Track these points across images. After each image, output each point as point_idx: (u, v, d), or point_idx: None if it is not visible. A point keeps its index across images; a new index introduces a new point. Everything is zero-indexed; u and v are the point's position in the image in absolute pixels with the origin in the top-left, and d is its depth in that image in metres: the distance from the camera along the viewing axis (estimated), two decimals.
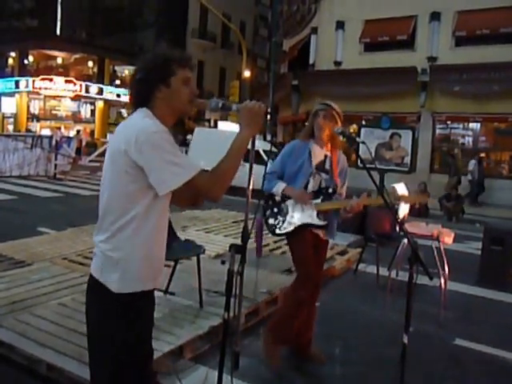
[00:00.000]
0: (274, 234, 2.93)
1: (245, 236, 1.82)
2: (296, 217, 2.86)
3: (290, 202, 2.87)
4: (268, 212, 2.91)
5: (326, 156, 2.91)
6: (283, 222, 2.86)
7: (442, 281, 4.07)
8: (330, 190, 2.88)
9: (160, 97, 1.57)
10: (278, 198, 2.88)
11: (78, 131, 21.13)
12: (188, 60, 1.64)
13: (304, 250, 2.86)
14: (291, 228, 2.85)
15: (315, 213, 2.87)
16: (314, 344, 3.10)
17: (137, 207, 1.51)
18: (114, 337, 1.54)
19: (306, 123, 3.03)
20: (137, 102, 1.61)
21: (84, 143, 15.20)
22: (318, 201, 2.87)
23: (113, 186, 1.54)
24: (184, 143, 17.23)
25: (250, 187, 1.85)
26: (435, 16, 15.08)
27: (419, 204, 10.36)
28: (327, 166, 2.91)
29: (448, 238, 4.30)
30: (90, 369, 1.65)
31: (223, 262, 2.21)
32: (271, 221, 2.89)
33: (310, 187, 2.88)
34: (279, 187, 2.83)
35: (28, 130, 21.37)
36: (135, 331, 1.56)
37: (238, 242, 1.83)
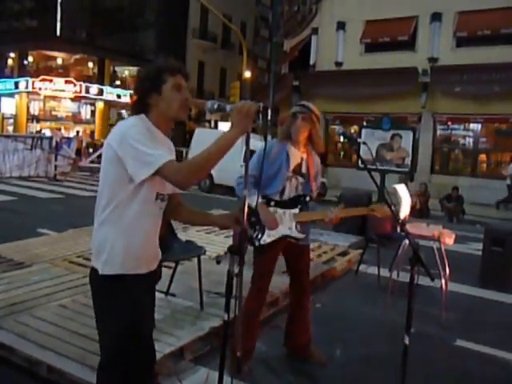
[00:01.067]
0: (253, 246, 2.73)
1: (242, 237, 1.82)
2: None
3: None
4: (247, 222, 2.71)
5: (302, 159, 2.82)
6: (262, 233, 2.71)
7: (443, 282, 4.06)
8: (308, 199, 2.81)
9: (153, 104, 1.72)
10: (253, 205, 2.62)
11: (78, 132, 21.15)
12: (179, 68, 1.76)
13: (266, 265, 2.80)
14: (270, 240, 2.72)
15: (294, 224, 2.78)
16: (314, 345, 3.10)
17: (119, 195, 1.66)
18: (103, 316, 1.73)
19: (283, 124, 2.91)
20: (136, 109, 1.76)
21: (84, 144, 15.18)
22: (296, 211, 2.78)
23: (103, 176, 1.72)
24: (185, 144, 17.25)
25: (247, 187, 1.85)
26: (436, 16, 15.06)
27: (420, 204, 10.36)
28: (303, 169, 2.82)
29: (449, 239, 4.29)
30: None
31: (218, 262, 2.20)
32: (249, 232, 2.65)
33: (287, 193, 2.77)
34: (253, 201, 2.49)
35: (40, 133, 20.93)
36: (122, 313, 1.69)
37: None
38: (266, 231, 2.72)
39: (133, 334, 1.72)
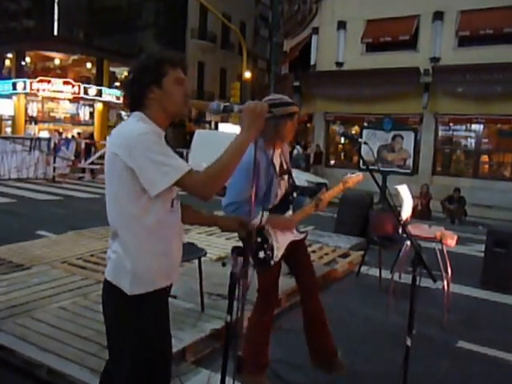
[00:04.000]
0: (269, 266, 2.57)
1: (247, 239, 1.80)
2: (280, 239, 2.60)
3: (268, 226, 2.55)
4: (254, 244, 2.48)
5: (280, 156, 2.63)
6: (272, 249, 2.55)
7: (445, 283, 4.04)
8: (295, 194, 2.69)
9: (153, 98, 1.58)
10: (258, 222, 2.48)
11: (79, 134, 21.13)
12: (180, 60, 1.64)
13: (273, 275, 2.66)
14: (281, 253, 2.61)
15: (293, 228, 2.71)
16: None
17: (132, 209, 1.53)
18: (129, 335, 1.58)
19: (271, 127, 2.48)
20: (131, 104, 1.62)
21: (83, 146, 15.15)
22: (290, 212, 2.68)
23: (110, 189, 1.58)
24: (185, 145, 17.22)
25: (253, 189, 1.82)
26: (438, 16, 14.99)
27: (421, 206, 10.34)
28: (284, 166, 2.66)
29: (451, 241, 4.27)
30: (111, 367, 1.71)
31: (224, 264, 2.18)
32: (261, 254, 2.51)
33: (279, 196, 2.64)
34: (257, 219, 2.39)
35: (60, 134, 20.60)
36: (150, 329, 1.59)
37: (240, 244, 1.81)
38: (275, 245, 2.57)
39: (160, 349, 1.64)
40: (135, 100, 1.60)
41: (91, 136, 20.83)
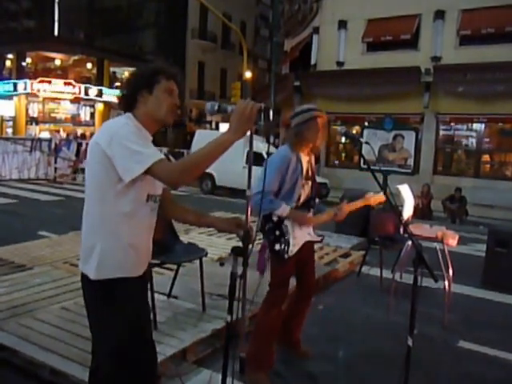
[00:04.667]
0: (284, 259, 2.71)
1: (245, 238, 1.80)
2: (298, 236, 2.74)
3: (287, 222, 2.70)
4: (271, 237, 2.70)
5: (308, 162, 2.84)
6: (288, 244, 2.70)
7: (446, 283, 4.04)
8: (317, 200, 2.85)
9: (142, 101, 1.70)
10: (275, 218, 2.68)
11: (83, 135, 21.13)
12: (175, 74, 1.76)
13: (287, 273, 2.78)
14: (296, 249, 2.73)
15: (311, 229, 2.84)
16: (313, 345, 3.14)
17: (108, 195, 1.62)
18: (102, 322, 1.68)
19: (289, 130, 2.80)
20: (123, 104, 1.74)
21: (84, 146, 15.12)
22: (310, 214, 2.82)
23: (89, 177, 1.68)
24: (186, 145, 17.25)
25: (251, 189, 1.86)
26: (439, 14, 14.95)
27: (422, 205, 10.34)
28: (310, 173, 2.85)
29: (452, 240, 4.27)
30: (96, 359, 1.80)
31: (222, 264, 2.20)
32: (277, 246, 2.69)
33: (302, 199, 2.79)
34: (283, 210, 2.63)
35: (80, 136, 20.46)
36: (122, 316, 1.66)
37: (240, 244, 1.82)
38: (291, 241, 2.69)
39: (136, 337, 1.70)
40: (127, 101, 1.72)
41: (91, 136, 20.73)
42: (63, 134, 21.01)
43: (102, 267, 1.64)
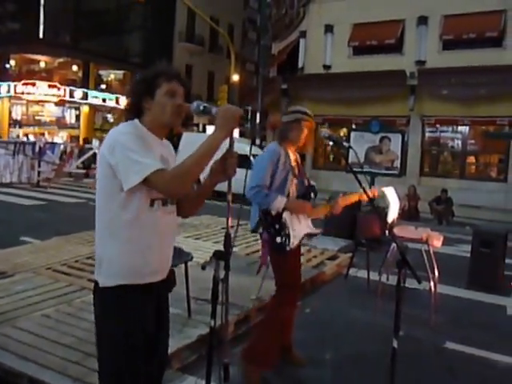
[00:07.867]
0: (285, 252, 2.76)
1: (227, 242, 1.78)
2: (297, 228, 2.77)
3: (286, 215, 2.73)
4: (271, 230, 2.74)
5: (295, 160, 2.93)
6: (288, 237, 2.73)
7: (432, 284, 4.06)
8: (313, 195, 2.88)
9: (146, 107, 1.70)
10: (273, 212, 2.72)
11: (72, 138, 20.82)
12: (176, 74, 1.75)
13: (294, 262, 2.85)
14: (297, 241, 2.78)
15: (309, 221, 2.88)
16: (300, 349, 3.10)
17: (113, 205, 1.63)
18: (106, 330, 1.66)
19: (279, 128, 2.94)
20: (130, 113, 1.73)
21: (69, 149, 14.89)
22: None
23: (98, 188, 1.69)
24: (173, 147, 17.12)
25: (231, 192, 1.82)
26: (422, 20, 15.25)
27: (409, 207, 10.41)
28: (296, 170, 2.92)
29: (437, 242, 4.30)
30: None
31: (203, 268, 2.17)
32: (278, 239, 2.72)
33: (291, 196, 2.83)
34: (280, 202, 2.67)
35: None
36: (126, 324, 1.63)
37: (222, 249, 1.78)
38: (291, 233, 2.74)
39: (137, 348, 1.65)
40: (133, 109, 1.72)
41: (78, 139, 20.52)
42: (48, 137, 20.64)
43: (109, 275, 1.64)
